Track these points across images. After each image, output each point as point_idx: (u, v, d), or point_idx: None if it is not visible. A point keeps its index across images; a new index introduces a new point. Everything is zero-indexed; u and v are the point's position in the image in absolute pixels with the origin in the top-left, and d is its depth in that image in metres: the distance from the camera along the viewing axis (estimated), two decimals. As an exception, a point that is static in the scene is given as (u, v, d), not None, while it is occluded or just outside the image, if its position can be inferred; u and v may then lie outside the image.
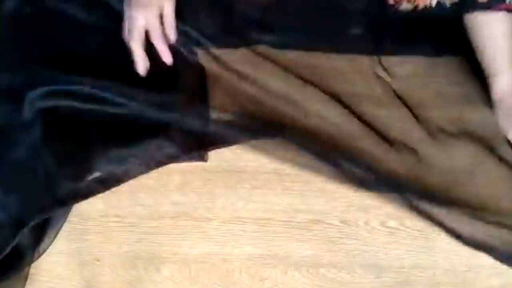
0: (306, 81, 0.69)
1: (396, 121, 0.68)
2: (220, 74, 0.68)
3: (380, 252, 0.68)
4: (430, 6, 0.67)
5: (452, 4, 0.66)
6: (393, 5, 0.68)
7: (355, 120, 0.67)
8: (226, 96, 0.67)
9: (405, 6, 0.68)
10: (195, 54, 0.68)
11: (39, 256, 0.66)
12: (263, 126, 0.66)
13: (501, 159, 0.66)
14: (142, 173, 0.65)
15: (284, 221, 0.68)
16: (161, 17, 0.65)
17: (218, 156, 0.70)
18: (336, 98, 0.68)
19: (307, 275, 0.66)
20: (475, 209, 0.64)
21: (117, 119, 0.63)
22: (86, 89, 0.62)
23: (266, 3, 0.71)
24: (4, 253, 0.60)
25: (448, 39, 0.70)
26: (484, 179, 0.65)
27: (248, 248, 0.67)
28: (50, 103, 0.62)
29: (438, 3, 0.66)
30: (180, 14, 0.67)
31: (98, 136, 0.64)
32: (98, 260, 0.68)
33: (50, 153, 0.62)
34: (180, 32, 0.67)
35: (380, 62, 0.70)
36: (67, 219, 0.68)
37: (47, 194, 0.62)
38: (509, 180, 0.65)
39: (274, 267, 0.67)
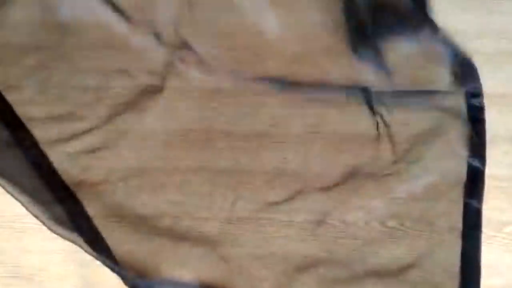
0: None
1: None
2: None
3: (380, 252, 0.68)
4: None
5: None
6: None
7: None
8: None
9: None
10: None
11: None
12: None
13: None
14: None
15: (284, 221, 0.68)
16: None
17: (218, 156, 0.70)
18: None
19: (307, 275, 0.66)
20: None
21: None
22: None
23: None
24: None
25: None
26: None
27: (248, 248, 0.67)
28: None
29: None
30: None
31: None
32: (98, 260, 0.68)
33: None
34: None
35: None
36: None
37: None
38: None
39: (274, 267, 0.67)
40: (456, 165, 0.69)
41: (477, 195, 0.68)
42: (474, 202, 0.68)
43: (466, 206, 0.68)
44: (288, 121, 0.72)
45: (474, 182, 0.69)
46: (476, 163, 0.69)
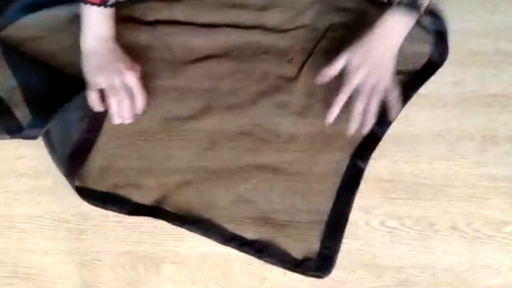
0: None
1: None
2: None
3: (380, 252, 0.68)
4: None
5: None
6: None
7: None
8: None
9: None
10: None
11: None
12: None
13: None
14: None
15: (284, 221, 0.68)
16: None
17: (218, 156, 0.70)
18: None
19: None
20: None
21: None
22: None
23: None
24: None
25: None
26: None
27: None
28: None
29: None
30: None
31: None
32: (98, 260, 0.68)
33: None
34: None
35: None
36: (67, 219, 0.69)
37: None
38: None
39: (274, 267, 0.67)
40: None
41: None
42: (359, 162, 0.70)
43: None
44: (288, 121, 0.72)
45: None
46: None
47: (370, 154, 0.70)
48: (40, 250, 0.68)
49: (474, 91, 0.73)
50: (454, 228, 0.68)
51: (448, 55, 0.74)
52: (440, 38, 0.74)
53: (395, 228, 0.68)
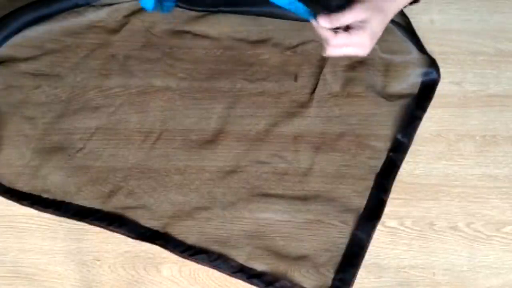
0: None
1: None
2: None
3: (380, 252, 0.68)
4: None
5: None
6: None
7: None
8: None
9: None
10: None
11: None
12: None
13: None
14: None
15: (284, 221, 0.68)
16: None
17: (219, 156, 0.70)
18: None
19: (307, 275, 0.66)
20: None
21: None
22: None
23: None
24: None
25: None
26: None
27: (248, 248, 0.67)
28: None
29: None
30: None
31: None
32: (98, 260, 0.68)
33: None
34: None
35: None
36: (67, 219, 0.69)
37: None
38: None
39: (274, 262, 0.67)
40: None
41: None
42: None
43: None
44: (288, 121, 0.72)
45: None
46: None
47: (391, 184, 0.69)
48: (40, 250, 0.68)
49: (474, 91, 0.73)
50: (454, 228, 0.68)
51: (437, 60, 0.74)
52: (428, 56, 0.73)
53: (395, 228, 0.68)
